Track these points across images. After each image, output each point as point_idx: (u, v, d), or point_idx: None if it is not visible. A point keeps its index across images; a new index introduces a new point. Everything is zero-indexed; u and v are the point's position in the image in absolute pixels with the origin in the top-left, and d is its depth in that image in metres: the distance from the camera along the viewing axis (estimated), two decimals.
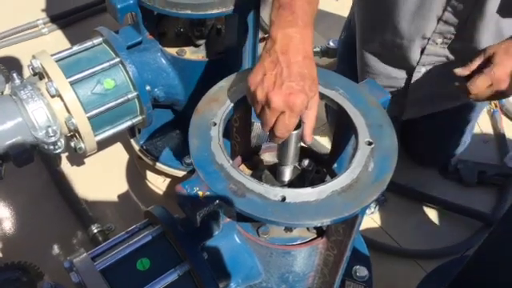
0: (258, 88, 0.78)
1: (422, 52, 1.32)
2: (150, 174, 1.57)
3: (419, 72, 1.37)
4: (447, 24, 1.24)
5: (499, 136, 1.73)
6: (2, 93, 1.29)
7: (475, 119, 1.58)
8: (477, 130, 1.70)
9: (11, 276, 1.10)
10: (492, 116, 1.79)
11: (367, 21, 1.40)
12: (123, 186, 1.60)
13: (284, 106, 0.76)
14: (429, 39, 1.28)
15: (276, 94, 0.76)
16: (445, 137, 1.57)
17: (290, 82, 0.76)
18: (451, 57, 1.32)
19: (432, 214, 1.56)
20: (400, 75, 1.39)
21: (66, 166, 1.63)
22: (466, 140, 1.59)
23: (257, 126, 1.32)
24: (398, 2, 1.24)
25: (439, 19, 1.23)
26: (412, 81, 1.39)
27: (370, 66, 1.43)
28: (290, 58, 0.77)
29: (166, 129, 1.46)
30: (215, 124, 0.83)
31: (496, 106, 1.79)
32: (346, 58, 1.69)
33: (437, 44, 1.29)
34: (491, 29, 1.21)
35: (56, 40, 2.00)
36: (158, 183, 1.56)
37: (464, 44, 1.27)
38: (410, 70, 1.37)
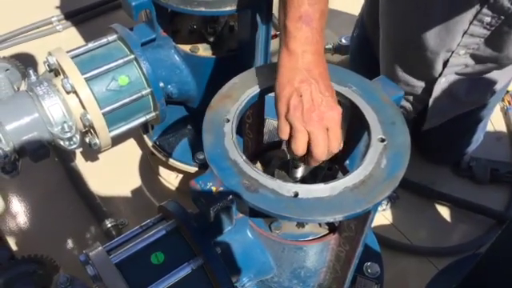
0: (297, 110, 0.78)
1: (445, 64, 1.32)
2: (162, 170, 1.58)
3: (439, 83, 1.36)
4: (472, 36, 1.23)
5: None
6: (19, 89, 1.31)
7: (488, 117, 1.57)
8: (490, 127, 1.69)
9: (28, 269, 1.12)
10: (505, 113, 1.77)
11: (392, 32, 1.39)
12: (136, 182, 1.62)
13: (330, 122, 0.78)
14: (453, 52, 1.28)
15: (322, 112, 0.78)
16: (457, 135, 1.56)
17: (326, 97, 0.78)
18: (471, 63, 1.32)
19: (444, 211, 1.55)
20: (419, 84, 1.39)
21: (80, 161, 1.65)
22: (478, 138, 1.59)
23: (269, 122, 1.32)
24: (424, 18, 1.24)
25: (465, 33, 1.23)
26: (433, 93, 1.38)
27: (389, 72, 1.43)
28: (316, 72, 0.79)
29: (178, 125, 1.47)
30: (228, 120, 0.84)
31: (509, 104, 1.78)
32: (357, 55, 1.69)
33: (460, 55, 1.29)
34: None
35: (70, 37, 2.02)
36: (170, 179, 1.58)
37: (487, 51, 1.26)
38: (431, 81, 1.37)
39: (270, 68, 0.90)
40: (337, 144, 0.80)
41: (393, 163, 0.78)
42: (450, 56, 1.29)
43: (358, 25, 1.67)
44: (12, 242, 1.45)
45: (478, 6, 1.17)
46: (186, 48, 1.24)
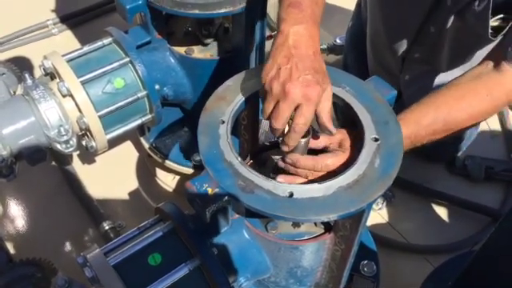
0: (274, 81, 0.79)
1: (403, 62, 1.39)
2: (159, 172, 1.59)
3: (404, 79, 1.42)
4: (420, 43, 1.31)
5: (506, 131, 1.73)
6: (15, 93, 1.31)
7: None
8: (484, 125, 1.70)
9: (26, 272, 1.12)
10: (499, 111, 1.78)
11: (370, 25, 1.47)
12: (133, 184, 1.62)
13: (301, 98, 0.77)
14: (407, 52, 1.35)
15: (294, 85, 0.77)
16: None
17: (306, 74, 0.78)
18: (426, 67, 1.38)
19: (440, 209, 1.56)
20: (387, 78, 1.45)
21: (77, 164, 1.65)
22: (471, 133, 1.59)
23: (264, 123, 1.33)
24: (382, 19, 1.35)
25: (415, 36, 1.30)
26: (402, 88, 1.43)
27: (371, 65, 1.50)
28: (303, 53, 0.80)
29: (174, 127, 1.47)
30: (223, 122, 0.84)
31: None
32: (353, 46, 1.70)
33: (416, 53, 1.35)
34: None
35: (66, 40, 2.02)
36: (167, 181, 1.58)
37: (437, 55, 1.33)
38: (396, 77, 1.43)
39: None
40: (302, 120, 0.79)
41: (386, 162, 0.78)
42: (406, 55, 1.36)
43: (354, 16, 1.69)
44: (10, 246, 1.46)
45: (423, 18, 1.25)
46: (181, 50, 1.25)
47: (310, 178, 0.84)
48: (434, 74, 1.39)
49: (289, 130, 0.80)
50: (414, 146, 0.93)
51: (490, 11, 1.05)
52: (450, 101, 0.95)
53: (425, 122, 0.92)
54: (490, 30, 1.08)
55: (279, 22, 0.84)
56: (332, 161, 0.84)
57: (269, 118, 0.81)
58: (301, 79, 0.77)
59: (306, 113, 0.78)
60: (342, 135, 0.87)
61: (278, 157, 0.97)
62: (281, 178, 0.85)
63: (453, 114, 0.94)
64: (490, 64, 0.97)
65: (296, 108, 0.78)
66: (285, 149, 0.83)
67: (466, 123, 0.96)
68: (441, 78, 1.39)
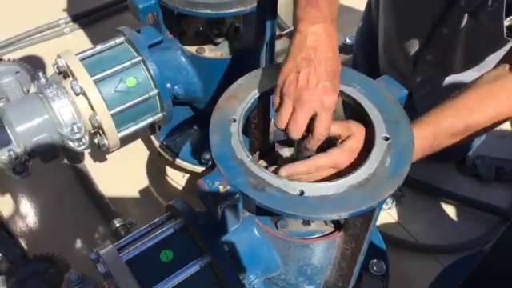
0: (291, 86, 0.78)
1: (415, 64, 1.38)
2: (169, 170, 1.60)
3: (415, 81, 1.42)
4: (432, 45, 1.31)
5: None
6: (28, 91, 1.33)
7: None
8: None
9: (40, 267, 1.14)
10: None
11: (383, 26, 1.47)
12: (144, 182, 1.63)
13: (319, 106, 0.77)
14: (419, 53, 1.35)
15: (312, 93, 0.77)
16: None
17: (325, 81, 0.78)
18: (444, 63, 1.37)
19: (449, 209, 1.56)
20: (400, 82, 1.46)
21: (88, 162, 1.67)
22: None
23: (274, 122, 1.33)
24: (395, 20, 1.35)
25: (426, 39, 1.30)
26: (413, 90, 1.43)
27: (383, 65, 1.50)
28: (322, 55, 0.79)
29: (185, 126, 1.49)
30: (235, 120, 0.85)
31: None
32: (363, 46, 1.71)
33: (428, 55, 1.34)
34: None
35: (77, 39, 2.04)
36: (177, 179, 1.60)
37: (452, 53, 1.32)
38: (406, 80, 1.42)
39: (275, 68, 0.92)
40: (322, 130, 0.79)
41: (397, 161, 0.79)
42: (418, 57, 1.36)
43: (364, 16, 1.69)
44: (22, 242, 1.47)
45: (436, 19, 1.25)
46: (192, 49, 1.26)
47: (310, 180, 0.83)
48: (445, 75, 1.39)
49: (311, 137, 0.80)
50: (433, 150, 0.91)
51: (504, 11, 1.04)
52: (470, 103, 0.93)
53: (445, 124, 0.90)
54: (504, 30, 1.07)
55: (296, 21, 0.83)
56: (325, 161, 0.82)
57: (286, 127, 0.80)
58: (320, 86, 0.77)
59: (326, 121, 0.78)
60: (358, 129, 0.85)
61: (286, 148, 0.97)
62: (282, 171, 0.83)
63: (474, 116, 0.92)
64: (507, 66, 0.96)
65: (314, 115, 0.78)
66: (309, 153, 0.83)
67: (486, 125, 0.94)
68: (452, 80, 1.39)
